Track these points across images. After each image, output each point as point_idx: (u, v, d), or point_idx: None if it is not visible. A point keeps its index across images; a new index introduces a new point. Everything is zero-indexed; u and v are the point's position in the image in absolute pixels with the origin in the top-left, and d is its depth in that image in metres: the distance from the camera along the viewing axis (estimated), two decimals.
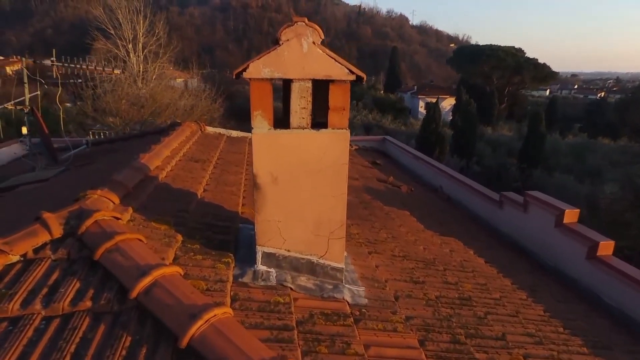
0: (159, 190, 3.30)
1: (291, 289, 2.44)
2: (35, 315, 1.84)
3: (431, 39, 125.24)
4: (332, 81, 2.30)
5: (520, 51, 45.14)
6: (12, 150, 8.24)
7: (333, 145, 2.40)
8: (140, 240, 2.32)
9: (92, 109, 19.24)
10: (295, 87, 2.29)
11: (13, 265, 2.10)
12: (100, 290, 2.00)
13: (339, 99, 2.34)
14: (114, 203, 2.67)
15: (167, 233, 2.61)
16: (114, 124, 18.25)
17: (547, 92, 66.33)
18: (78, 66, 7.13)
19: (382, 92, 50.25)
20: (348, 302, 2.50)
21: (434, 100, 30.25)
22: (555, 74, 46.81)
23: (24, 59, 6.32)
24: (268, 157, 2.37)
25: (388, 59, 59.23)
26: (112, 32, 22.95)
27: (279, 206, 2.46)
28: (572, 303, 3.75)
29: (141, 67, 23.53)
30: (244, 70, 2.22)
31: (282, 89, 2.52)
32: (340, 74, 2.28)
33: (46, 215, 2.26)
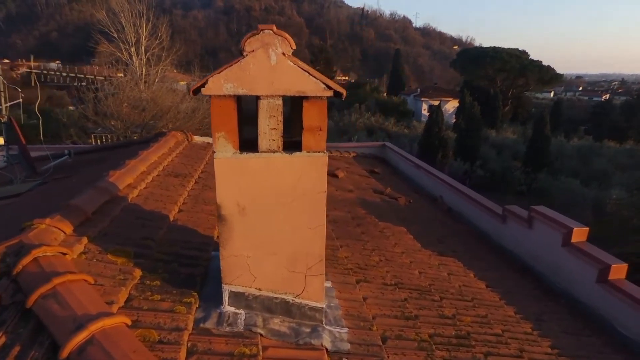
0: (126, 213, 3.00)
1: (261, 334, 2.13)
2: None
3: (434, 41, 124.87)
4: (306, 98, 2.00)
5: (524, 53, 44.71)
6: None
7: (309, 171, 2.09)
8: (86, 281, 2.02)
9: (94, 113, 19.09)
10: (263, 105, 1.99)
11: None
12: (29, 347, 1.69)
13: (314, 117, 2.03)
14: (65, 233, 2.37)
15: (123, 268, 2.30)
16: (115, 128, 18.10)
17: (551, 94, 65.73)
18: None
19: (385, 94, 49.95)
20: (327, 349, 2.18)
21: (437, 102, 29.92)
22: (560, 76, 46.29)
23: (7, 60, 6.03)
24: (234, 184, 2.07)
25: (391, 62, 58.93)
26: (115, 35, 22.87)
27: (248, 240, 2.15)
28: (583, 335, 3.41)
29: (144, 70, 23.42)
30: (203, 85, 1.92)
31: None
32: (315, 90, 1.98)
33: None
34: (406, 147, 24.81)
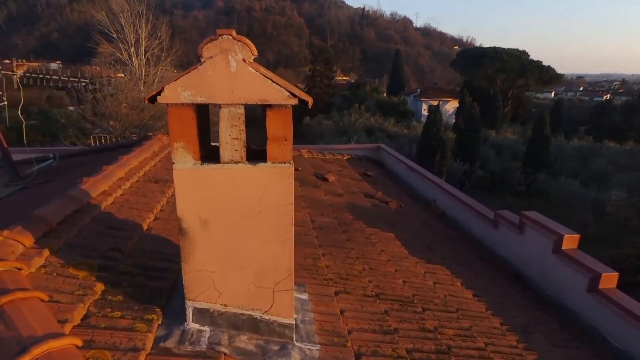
0: (96, 222, 2.90)
1: (225, 353, 2.03)
2: None
3: (435, 41, 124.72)
4: (270, 106, 1.90)
5: (524, 53, 44.62)
6: None
7: (274, 182, 1.99)
8: (39, 298, 1.92)
9: (92, 113, 19.03)
10: (224, 114, 1.89)
11: None
12: None
13: (278, 127, 1.93)
14: (24, 245, 2.28)
15: (84, 282, 2.20)
16: (113, 128, 18.05)
17: (552, 94, 65.56)
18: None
19: (385, 95, 49.86)
20: None
21: (437, 103, 29.80)
22: (560, 76, 46.15)
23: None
24: (195, 197, 1.97)
25: (391, 62, 58.81)
26: (115, 35, 22.84)
27: (212, 254, 2.06)
28: (570, 347, 3.30)
29: (143, 70, 23.37)
30: (159, 93, 1.82)
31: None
32: (278, 98, 1.88)
33: None
34: (405, 148, 24.72)
